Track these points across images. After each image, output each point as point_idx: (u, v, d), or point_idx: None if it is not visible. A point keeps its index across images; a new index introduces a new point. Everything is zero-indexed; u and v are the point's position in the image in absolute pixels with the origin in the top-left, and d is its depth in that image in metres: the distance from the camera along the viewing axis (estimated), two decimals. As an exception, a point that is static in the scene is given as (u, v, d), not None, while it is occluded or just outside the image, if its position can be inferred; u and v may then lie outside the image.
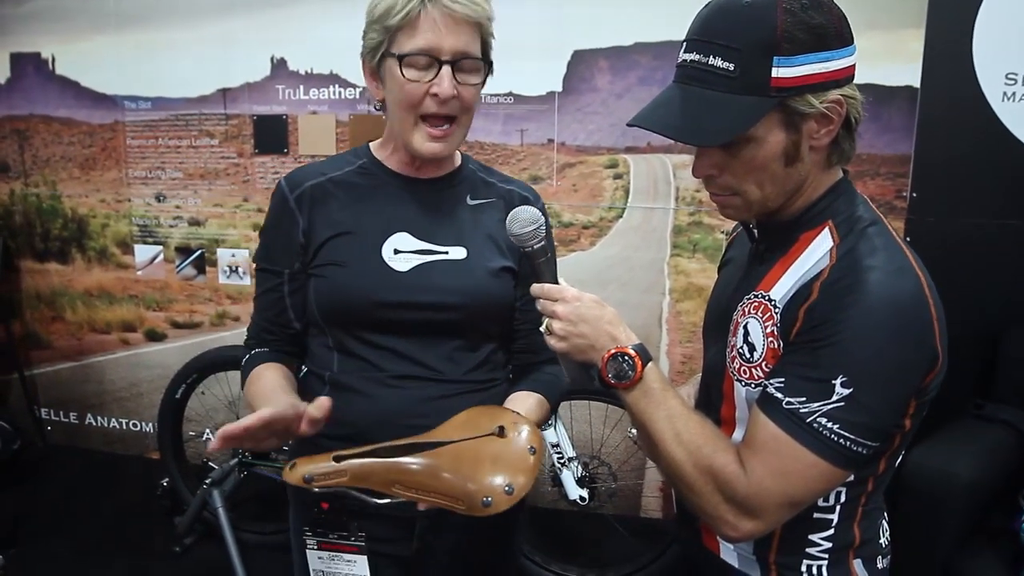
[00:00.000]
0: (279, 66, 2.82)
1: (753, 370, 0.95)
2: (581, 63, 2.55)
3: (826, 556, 0.98)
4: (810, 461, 0.86)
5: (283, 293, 1.19)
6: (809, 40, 0.85)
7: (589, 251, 2.65)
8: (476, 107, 1.16)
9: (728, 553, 1.04)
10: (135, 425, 3.29)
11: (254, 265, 1.25)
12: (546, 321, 1.02)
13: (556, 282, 1.03)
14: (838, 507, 0.97)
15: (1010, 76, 2.11)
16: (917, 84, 2.22)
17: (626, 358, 0.95)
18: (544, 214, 1.27)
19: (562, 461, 2.42)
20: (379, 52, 1.12)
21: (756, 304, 0.96)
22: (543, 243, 1.03)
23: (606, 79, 2.53)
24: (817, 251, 0.92)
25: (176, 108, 2.96)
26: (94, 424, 3.35)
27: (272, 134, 2.87)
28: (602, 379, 0.97)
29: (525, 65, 2.51)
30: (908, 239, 2.18)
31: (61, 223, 3.21)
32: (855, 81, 0.91)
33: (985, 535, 1.92)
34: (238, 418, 3.06)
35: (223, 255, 3.04)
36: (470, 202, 1.22)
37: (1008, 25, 2.09)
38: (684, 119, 0.89)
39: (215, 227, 3.03)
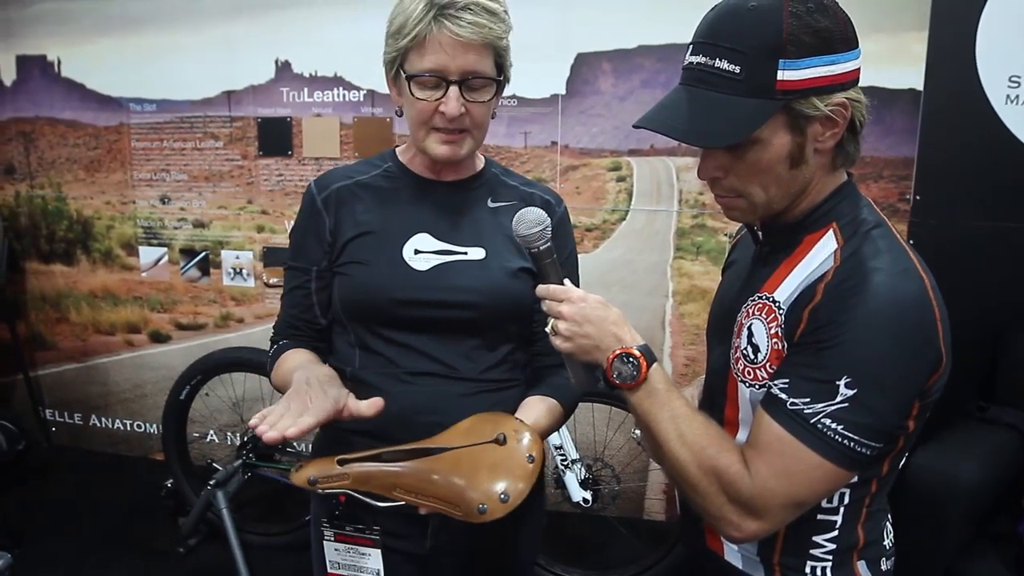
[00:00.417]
0: (283, 69, 2.83)
1: (757, 371, 0.95)
2: (584, 66, 2.55)
3: (830, 557, 0.98)
4: (814, 462, 0.86)
5: (311, 290, 1.23)
6: (815, 43, 0.86)
7: (592, 253, 2.66)
8: (488, 119, 1.18)
9: (732, 554, 1.05)
10: (139, 426, 3.30)
11: (281, 266, 1.32)
12: (551, 322, 1.02)
13: (562, 283, 1.03)
14: (842, 508, 0.97)
15: (1013, 79, 2.12)
16: (920, 87, 2.22)
17: (631, 359, 0.96)
18: (567, 218, 1.29)
19: (565, 463, 2.42)
20: (394, 66, 1.15)
21: (760, 306, 0.96)
22: (549, 244, 1.04)
23: (609, 82, 2.54)
24: (821, 253, 0.93)
25: (181, 110, 2.97)
26: (99, 425, 3.36)
27: (276, 136, 2.88)
28: (607, 380, 0.98)
29: (528, 68, 2.47)
30: (911, 242, 2.18)
31: (66, 225, 3.22)
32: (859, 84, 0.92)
33: (988, 538, 1.92)
34: (243, 420, 3.06)
35: (227, 257, 3.05)
36: (491, 204, 1.25)
37: (1011, 28, 2.09)
38: (690, 121, 0.90)
39: (219, 229, 3.04)
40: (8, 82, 3.15)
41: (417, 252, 1.18)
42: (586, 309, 0.99)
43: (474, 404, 1.16)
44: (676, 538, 2.35)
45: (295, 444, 2.74)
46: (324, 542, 1.21)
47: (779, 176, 0.92)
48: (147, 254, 3.15)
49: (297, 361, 1.18)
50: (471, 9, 1.07)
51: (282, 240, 2.95)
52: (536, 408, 1.18)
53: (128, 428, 3.32)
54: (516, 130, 2.65)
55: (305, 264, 1.23)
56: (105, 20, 2.96)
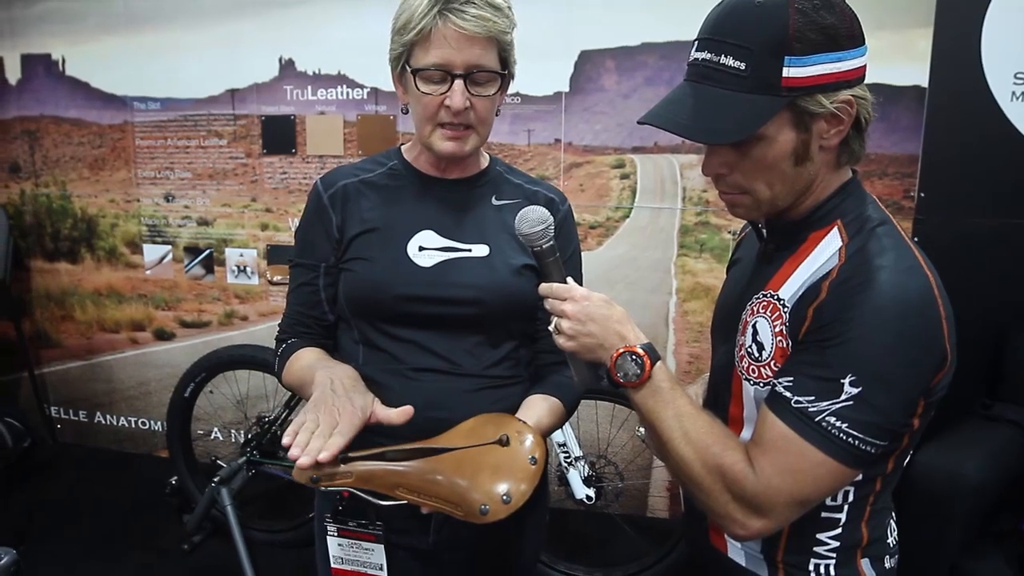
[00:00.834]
0: (287, 67, 2.83)
1: (762, 369, 0.95)
2: (588, 63, 2.55)
3: (834, 555, 0.98)
4: (818, 460, 0.86)
5: (319, 286, 1.24)
6: (821, 40, 0.85)
7: (596, 251, 2.65)
8: (493, 115, 1.19)
9: (736, 552, 1.05)
10: (144, 423, 3.31)
11: (288, 263, 1.32)
12: (554, 320, 1.02)
13: (565, 281, 1.03)
14: (846, 506, 0.97)
15: (1019, 76, 2.11)
16: (925, 84, 2.21)
17: (635, 357, 0.95)
18: (570, 216, 1.29)
19: (569, 460, 2.42)
20: (400, 63, 1.16)
21: (765, 303, 0.96)
22: (552, 243, 1.04)
23: (613, 79, 2.54)
24: (826, 251, 0.92)
25: (185, 109, 2.98)
26: (103, 422, 3.37)
27: (280, 134, 2.89)
28: (611, 378, 0.98)
29: (532, 65, 2.48)
30: (916, 239, 2.17)
31: (71, 223, 3.23)
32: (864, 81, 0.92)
33: (992, 536, 1.92)
34: (246, 417, 3.06)
35: (231, 255, 3.05)
36: (495, 202, 1.25)
37: (1017, 25, 2.08)
38: (695, 117, 0.90)
39: (223, 227, 3.04)
40: (13, 81, 3.15)
41: (422, 249, 1.19)
42: (590, 308, 0.99)
43: (477, 400, 1.17)
44: (679, 535, 2.35)
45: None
46: (327, 538, 1.21)
47: (783, 173, 0.92)
48: (151, 252, 3.16)
49: (310, 359, 1.19)
50: (475, 3, 1.08)
51: (286, 238, 2.95)
52: (538, 407, 1.18)
53: (133, 425, 3.33)
54: (520, 128, 2.65)
55: (313, 261, 1.24)
56: (109, 19, 2.97)
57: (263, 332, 3.03)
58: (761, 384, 0.95)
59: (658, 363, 0.96)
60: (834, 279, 0.88)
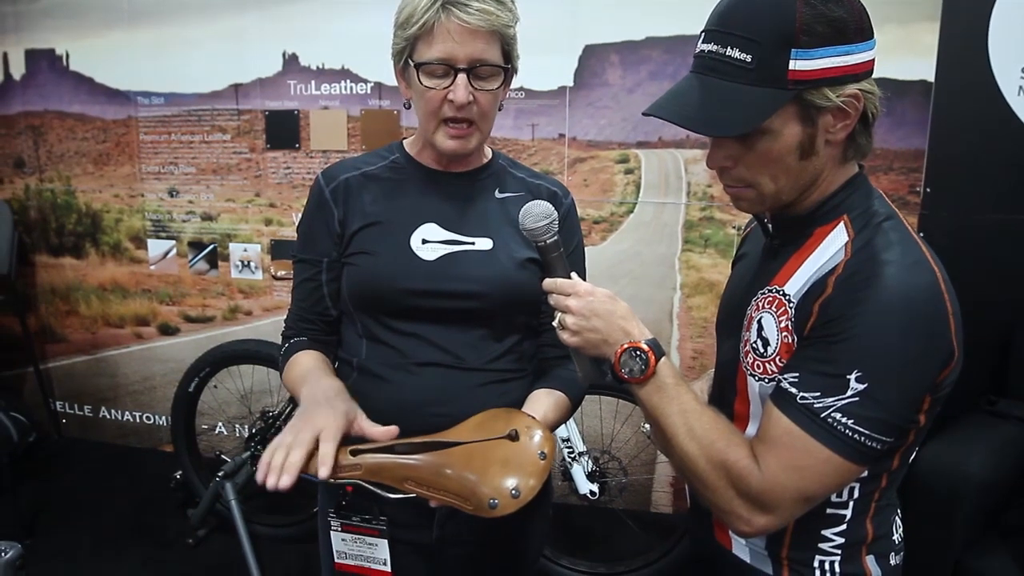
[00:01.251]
0: (291, 61, 2.83)
1: (767, 365, 0.95)
2: (592, 58, 2.54)
3: (839, 552, 0.98)
4: (824, 456, 0.86)
5: (321, 281, 1.23)
6: (828, 33, 0.84)
7: (600, 246, 2.65)
8: (496, 109, 1.18)
9: (740, 548, 1.04)
10: (148, 418, 3.32)
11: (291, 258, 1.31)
12: (558, 316, 1.02)
13: (569, 277, 1.03)
14: (851, 503, 0.97)
15: (1026, 70, 2.10)
16: (931, 78, 2.20)
17: (639, 353, 0.95)
18: (574, 210, 1.29)
19: (572, 456, 2.42)
20: (403, 57, 1.15)
21: (770, 299, 0.96)
22: (556, 237, 1.04)
23: (617, 74, 2.53)
24: (832, 246, 0.92)
25: (189, 103, 2.97)
26: (108, 417, 3.38)
27: (284, 129, 2.88)
28: (615, 374, 0.97)
29: (536, 60, 2.49)
30: (922, 234, 2.16)
31: (75, 218, 3.23)
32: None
33: (998, 532, 1.91)
34: (251, 412, 3.07)
35: (235, 250, 3.05)
36: (498, 195, 1.25)
37: (1024, 19, 2.07)
38: (700, 110, 0.89)
39: (227, 222, 3.05)
40: (17, 76, 3.16)
41: (425, 242, 1.18)
42: (594, 303, 0.99)
43: (481, 394, 1.16)
44: (683, 531, 2.35)
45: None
46: (331, 532, 1.22)
47: (789, 167, 0.91)
48: (156, 247, 3.16)
49: (302, 370, 1.18)
50: None
51: (290, 233, 2.95)
52: (543, 402, 1.18)
53: (137, 420, 3.34)
54: (523, 122, 2.64)
55: (315, 256, 1.23)
56: (113, 13, 2.97)
57: (267, 327, 3.03)
58: (766, 380, 0.95)
59: (662, 359, 0.96)
60: (840, 274, 0.88)
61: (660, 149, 2.56)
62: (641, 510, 2.75)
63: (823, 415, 0.85)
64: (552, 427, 1.18)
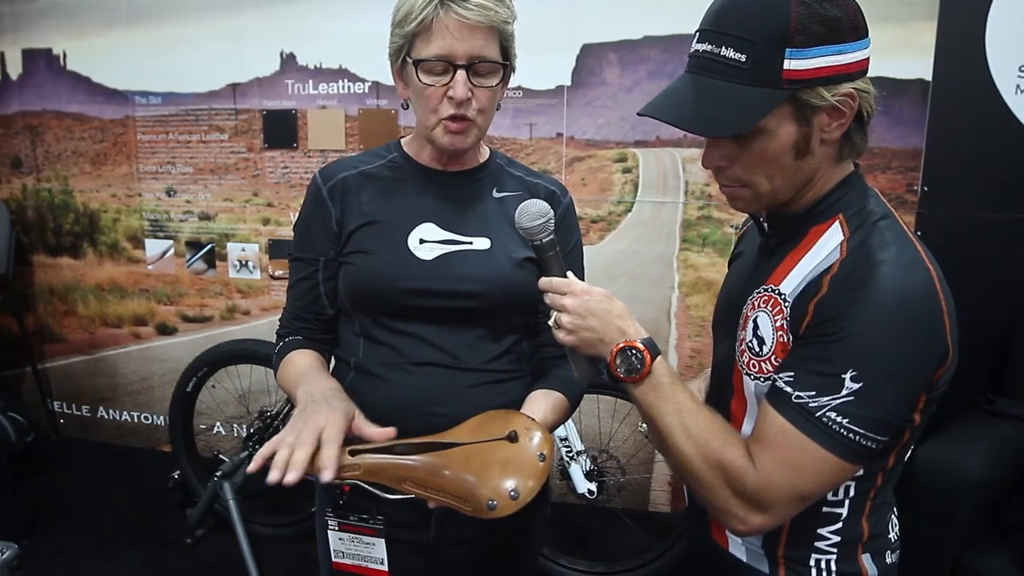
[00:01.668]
0: (288, 61, 2.83)
1: (762, 364, 0.95)
2: (590, 57, 2.54)
3: (835, 550, 0.98)
4: (819, 455, 0.86)
5: (318, 280, 1.23)
6: (823, 33, 0.84)
7: (598, 245, 2.65)
8: (494, 107, 1.18)
9: (736, 547, 1.05)
10: (147, 418, 3.32)
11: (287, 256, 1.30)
12: (554, 315, 1.02)
13: (565, 276, 1.03)
14: (847, 501, 0.97)
15: (1023, 69, 2.09)
16: (929, 77, 2.20)
17: (635, 352, 0.95)
18: (572, 209, 1.29)
19: (571, 455, 2.42)
20: (400, 55, 1.15)
21: (766, 298, 0.96)
22: (552, 237, 1.04)
23: (615, 73, 2.53)
24: (827, 245, 0.92)
25: (186, 103, 2.97)
26: (106, 417, 3.38)
27: (282, 129, 2.88)
28: (611, 373, 0.97)
29: (534, 59, 2.48)
30: (919, 233, 2.17)
31: (73, 218, 3.23)
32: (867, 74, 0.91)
33: (997, 531, 1.92)
34: (248, 411, 3.06)
35: (233, 249, 3.05)
36: (496, 195, 1.25)
37: (1022, 18, 2.06)
38: (695, 110, 0.89)
39: (225, 221, 3.04)
40: (14, 76, 3.15)
41: (422, 242, 1.18)
42: (590, 302, 0.99)
43: (478, 395, 1.16)
44: (681, 530, 2.35)
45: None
46: (328, 532, 1.22)
47: (784, 166, 0.91)
48: (153, 247, 3.16)
49: (298, 369, 1.17)
50: None
51: (288, 232, 2.95)
52: (542, 403, 1.18)
53: (135, 420, 3.34)
54: (521, 121, 2.64)
55: (312, 255, 1.23)
56: (111, 13, 2.96)
57: (265, 327, 3.03)
58: (762, 379, 0.95)
59: (658, 358, 0.96)
60: (835, 274, 0.87)
61: (658, 148, 2.56)
62: (639, 509, 2.75)
63: (818, 414, 0.85)
64: (551, 428, 1.18)
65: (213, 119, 2.96)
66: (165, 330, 3.21)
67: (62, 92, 3.11)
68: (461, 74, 1.09)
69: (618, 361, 0.96)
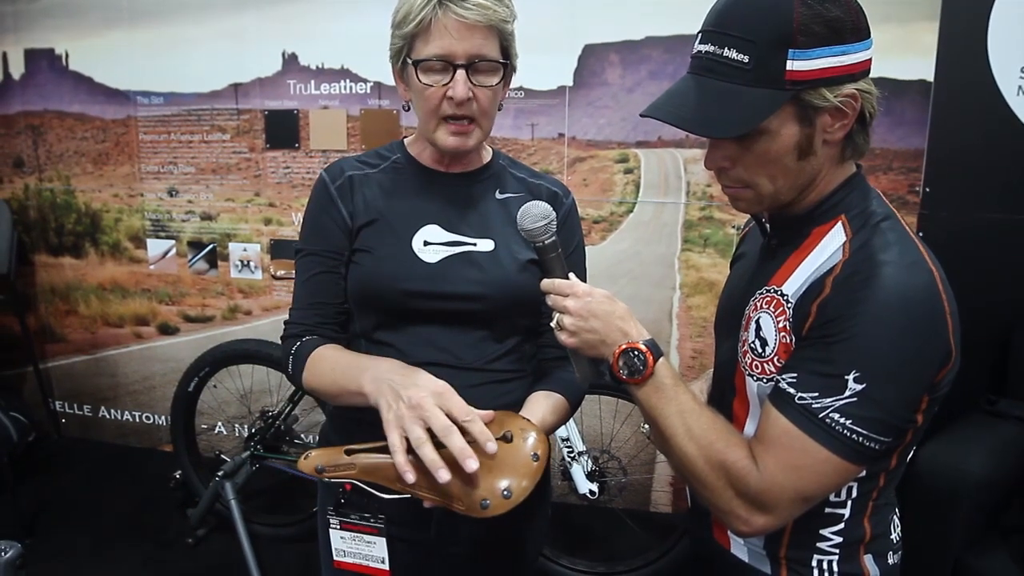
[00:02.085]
0: (290, 61, 2.83)
1: (765, 365, 0.95)
2: (592, 57, 2.54)
3: (837, 551, 0.98)
4: (822, 456, 0.86)
5: (340, 274, 1.21)
6: (825, 33, 0.84)
7: (599, 246, 2.65)
8: (496, 107, 1.18)
9: (738, 548, 1.05)
10: (148, 418, 3.32)
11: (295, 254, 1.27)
12: (556, 316, 1.02)
13: (567, 277, 1.03)
14: (849, 502, 0.97)
15: (1025, 70, 2.10)
16: (931, 78, 2.20)
17: (637, 353, 0.95)
18: (574, 210, 1.28)
19: (572, 455, 2.42)
20: (400, 57, 1.15)
21: (768, 299, 0.96)
22: (554, 238, 1.04)
23: (617, 73, 2.53)
24: (830, 246, 0.92)
25: (188, 103, 2.98)
26: (108, 417, 3.38)
27: (283, 129, 2.89)
28: (613, 374, 0.97)
29: (536, 59, 2.51)
30: (921, 234, 2.17)
31: (75, 218, 3.23)
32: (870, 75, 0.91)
33: (998, 532, 1.92)
34: (250, 411, 3.05)
35: (235, 249, 3.06)
36: (498, 196, 1.24)
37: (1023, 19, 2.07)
38: (697, 111, 0.89)
39: (227, 221, 3.05)
40: (16, 76, 3.16)
41: (426, 243, 1.18)
42: (592, 304, 0.99)
43: (479, 395, 1.16)
44: (682, 531, 2.35)
45: (302, 435, 2.76)
46: (330, 530, 1.21)
47: (787, 167, 0.91)
48: (155, 247, 3.16)
49: (344, 358, 1.15)
50: None
51: (289, 233, 2.95)
52: (542, 404, 1.18)
53: (137, 420, 3.34)
54: (523, 122, 2.64)
55: (330, 248, 1.20)
56: (113, 13, 2.97)
57: (266, 327, 3.03)
58: (764, 380, 0.95)
59: (660, 359, 0.96)
60: (838, 275, 0.88)
61: (659, 149, 2.56)
62: (640, 509, 2.76)
63: (821, 415, 0.85)
64: (550, 430, 1.18)
65: (215, 119, 2.96)
66: (167, 330, 3.21)
67: (64, 92, 3.11)
68: (461, 74, 1.09)
69: (620, 363, 0.96)
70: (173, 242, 3.13)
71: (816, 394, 0.86)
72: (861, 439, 0.85)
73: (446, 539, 1.22)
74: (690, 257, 2.60)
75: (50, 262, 3.31)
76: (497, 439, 1.02)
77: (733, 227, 2.53)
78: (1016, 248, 2.15)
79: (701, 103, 0.89)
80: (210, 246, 3.09)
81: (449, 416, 0.97)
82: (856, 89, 0.88)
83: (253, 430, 2.65)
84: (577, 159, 2.64)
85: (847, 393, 0.84)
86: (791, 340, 0.91)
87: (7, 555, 1.45)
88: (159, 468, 3.07)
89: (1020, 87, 2.10)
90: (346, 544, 1.21)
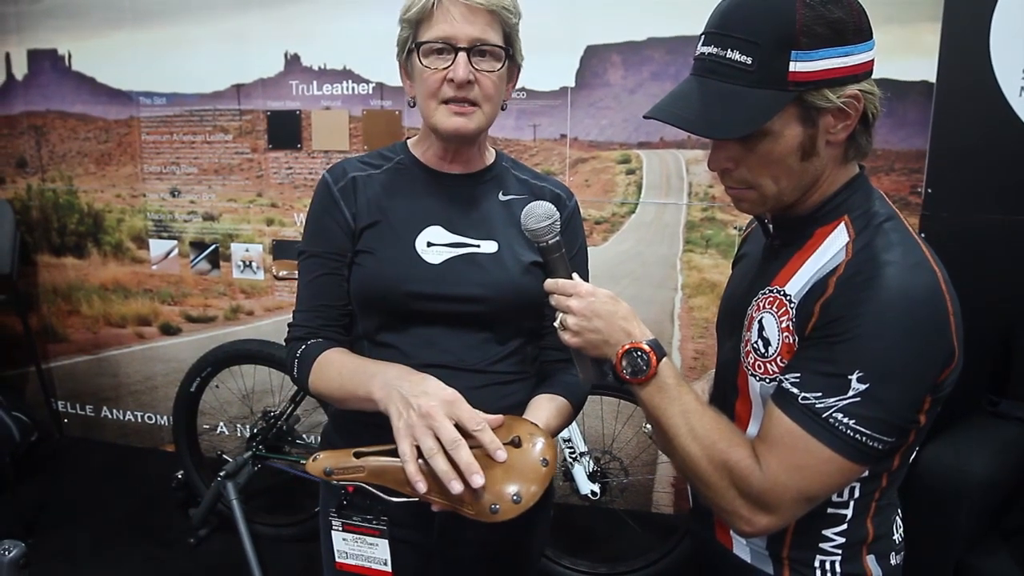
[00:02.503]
0: (292, 62, 2.83)
1: (768, 365, 0.95)
2: (594, 58, 2.54)
3: (839, 552, 0.98)
4: (825, 456, 0.86)
5: (344, 276, 1.20)
6: (828, 34, 0.85)
7: (601, 247, 2.65)
8: (500, 95, 1.17)
9: (741, 548, 1.05)
10: (150, 418, 3.33)
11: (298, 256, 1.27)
12: (560, 316, 1.02)
13: (570, 277, 1.03)
14: (852, 502, 0.97)
15: (1027, 70, 2.10)
16: (933, 79, 2.20)
17: (640, 353, 0.95)
18: (577, 212, 1.28)
19: (574, 456, 2.42)
20: (406, 46, 1.16)
21: (771, 299, 0.96)
22: (558, 238, 1.04)
23: (619, 74, 2.53)
24: (833, 246, 0.92)
25: (191, 104, 2.98)
26: (110, 417, 3.39)
27: (286, 129, 2.89)
28: (616, 374, 0.98)
29: (538, 60, 2.49)
30: (923, 235, 2.16)
31: (77, 218, 3.24)
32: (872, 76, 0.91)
33: (1000, 533, 1.91)
34: (252, 411, 3.06)
35: (237, 250, 3.06)
36: (502, 198, 1.24)
37: (1026, 19, 2.07)
38: (701, 112, 0.89)
39: (229, 222, 3.05)
40: (19, 76, 3.16)
41: (430, 245, 1.18)
42: (595, 304, 0.99)
43: (482, 396, 1.16)
44: (684, 531, 2.35)
45: (304, 436, 2.76)
46: (332, 532, 1.22)
47: (790, 168, 0.91)
48: (157, 247, 3.17)
49: (352, 363, 1.15)
50: None
51: (292, 233, 2.95)
52: (546, 408, 1.18)
53: (139, 420, 3.35)
54: (525, 123, 2.64)
55: (333, 250, 1.20)
56: (115, 13, 2.97)
57: (269, 327, 3.04)
58: (767, 380, 0.95)
59: (664, 359, 0.96)
60: (841, 275, 0.88)
61: (662, 149, 2.57)
62: (642, 510, 2.76)
63: (824, 415, 0.86)
64: (554, 433, 1.18)
65: (217, 120, 2.97)
66: (169, 330, 3.22)
67: (67, 92, 3.12)
68: (462, 56, 1.10)
69: (624, 362, 0.96)
70: (175, 242, 3.14)
71: (819, 394, 0.86)
72: (864, 439, 0.85)
73: (448, 541, 1.22)
74: (692, 258, 2.60)
75: (52, 262, 3.32)
76: (506, 444, 1.02)
77: (735, 228, 2.53)
78: (1018, 249, 2.15)
79: (704, 105, 0.89)
80: (212, 246, 3.09)
81: (459, 424, 0.99)
82: (859, 90, 0.88)
83: (255, 430, 2.65)
84: (579, 160, 2.64)
85: (850, 393, 0.84)
86: (794, 340, 0.91)
87: (11, 555, 1.45)
88: (161, 468, 3.07)
89: (1022, 88, 2.11)
90: (348, 546, 1.21)
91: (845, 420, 0.85)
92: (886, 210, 0.94)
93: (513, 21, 1.15)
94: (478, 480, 0.95)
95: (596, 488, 2.39)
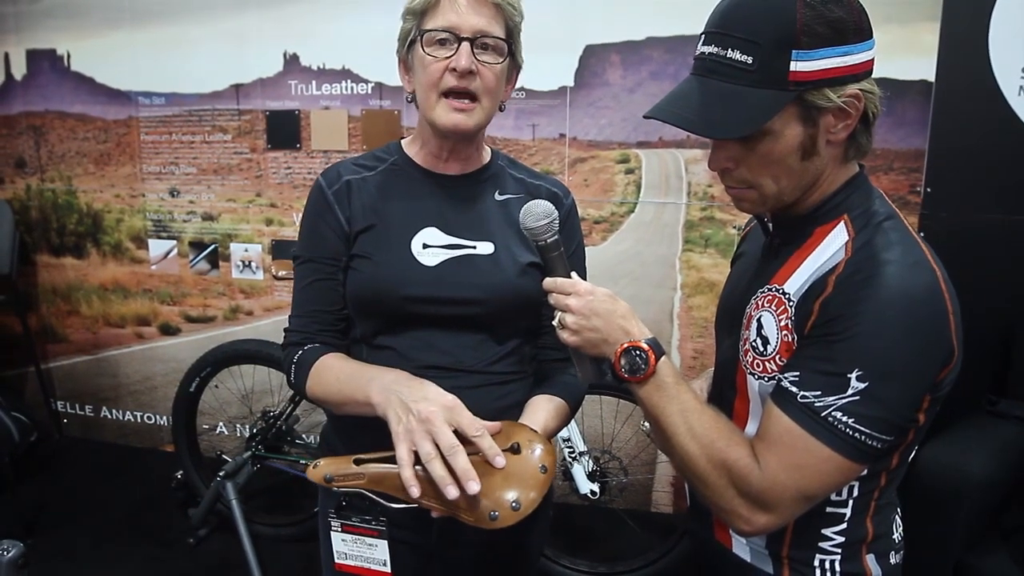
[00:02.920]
0: (291, 62, 2.83)
1: (767, 363, 0.95)
2: (593, 57, 2.54)
3: (839, 551, 0.98)
4: (824, 455, 0.86)
5: (339, 280, 1.20)
6: (828, 34, 0.85)
7: (600, 246, 2.65)
8: (500, 90, 1.17)
9: (740, 547, 1.05)
10: (150, 418, 3.32)
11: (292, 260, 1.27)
12: (558, 315, 1.02)
13: (569, 276, 1.03)
14: (851, 501, 0.97)
15: (1027, 70, 2.10)
16: (932, 78, 2.20)
17: (639, 352, 0.95)
18: (575, 211, 1.28)
19: (573, 455, 2.42)
20: (408, 39, 1.15)
21: (770, 297, 0.96)
22: (556, 237, 1.04)
23: (618, 74, 2.53)
24: (832, 245, 0.92)
25: (190, 104, 2.98)
26: (109, 417, 3.39)
27: (285, 129, 2.89)
28: (615, 373, 0.97)
29: (537, 60, 2.48)
30: (922, 234, 2.16)
31: (76, 218, 3.24)
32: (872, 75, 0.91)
33: (999, 532, 1.92)
34: (251, 411, 3.06)
35: (236, 250, 3.06)
36: (498, 197, 1.23)
37: (1025, 19, 2.07)
38: (701, 112, 0.89)
39: (228, 222, 3.05)
40: (18, 76, 3.16)
41: (425, 247, 1.17)
42: (594, 302, 0.99)
43: (480, 397, 1.16)
44: (683, 531, 2.35)
45: (303, 436, 2.76)
46: (331, 533, 1.21)
47: (790, 167, 0.91)
48: (156, 247, 3.16)
49: (350, 368, 1.14)
50: None
51: (291, 233, 2.95)
52: (544, 409, 1.18)
53: (138, 420, 3.34)
54: (524, 122, 2.64)
55: (328, 255, 1.20)
56: (114, 13, 2.97)
57: (268, 327, 3.03)
58: (766, 379, 0.95)
59: (662, 358, 0.96)
60: (840, 273, 0.88)
61: (661, 149, 2.57)
62: (641, 510, 2.76)
63: (824, 414, 0.86)
64: (552, 434, 1.18)
65: (216, 120, 2.96)
66: (168, 330, 3.22)
67: (66, 92, 3.12)
68: (465, 46, 1.10)
69: (622, 361, 0.96)
70: (174, 242, 3.14)
71: (818, 392, 0.86)
72: (863, 438, 0.85)
73: (448, 542, 1.22)
74: (691, 257, 2.60)
75: (52, 262, 3.31)
76: (505, 450, 1.02)
77: (734, 227, 2.53)
78: (1017, 248, 2.15)
79: (705, 104, 0.89)
80: (211, 246, 3.09)
81: (458, 431, 0.99)
82: (859, 89, 0.88)
83: (254, 430, 2.65)
84: (578, 159, 2.64)
85: (849, 392, 0.84)
86: (793, 338, 0.91)
87: (10, 555, 1.45)
88: (160, 468, 3.07)
89: (1021, 87, 2.11)
90: (347, 546, 1.21)
91: (844, 419, 0.85)
92: (886, 209, 0.94)
93: (516, 19, 1.15)
94: (474, 487, 0.95)
95: (595, 487, 2.39)
